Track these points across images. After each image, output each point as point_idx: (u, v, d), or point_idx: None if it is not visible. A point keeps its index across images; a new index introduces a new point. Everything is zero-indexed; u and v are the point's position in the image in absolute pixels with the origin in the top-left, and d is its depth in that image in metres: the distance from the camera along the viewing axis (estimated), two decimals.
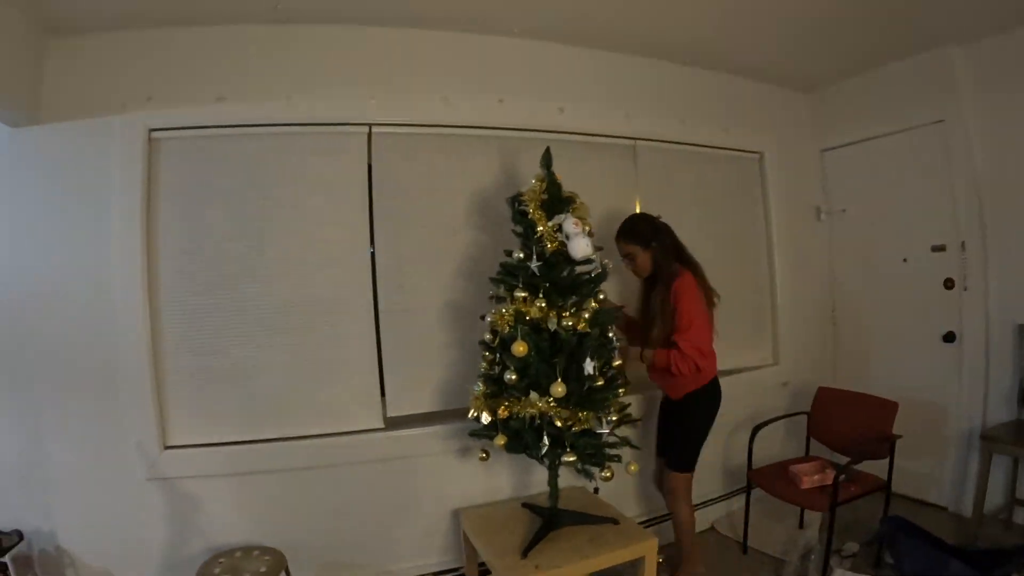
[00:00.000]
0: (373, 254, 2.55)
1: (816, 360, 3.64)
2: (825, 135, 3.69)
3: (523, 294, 2.11)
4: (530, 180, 2.25)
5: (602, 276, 2.21)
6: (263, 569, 2.12)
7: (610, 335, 2.16)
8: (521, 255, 2.15)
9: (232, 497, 2.38)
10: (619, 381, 2.17)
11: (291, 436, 2.44)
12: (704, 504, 3.18)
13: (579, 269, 2.19)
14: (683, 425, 2.48)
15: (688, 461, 2.46)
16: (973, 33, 2.87)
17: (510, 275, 2.18)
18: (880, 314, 3.48)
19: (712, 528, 3.18)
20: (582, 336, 2.07)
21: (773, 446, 3.26)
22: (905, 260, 3.30)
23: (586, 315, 2.09)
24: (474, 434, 2.24)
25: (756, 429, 2.91)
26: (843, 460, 2.52)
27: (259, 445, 2.40)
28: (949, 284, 3.11)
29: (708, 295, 2.39)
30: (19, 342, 2.25)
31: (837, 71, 3.43)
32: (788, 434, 3.36)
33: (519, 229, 2.22)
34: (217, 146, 2.39)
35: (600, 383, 2.08)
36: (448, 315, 2.63)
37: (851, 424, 2.81)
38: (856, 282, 3.62)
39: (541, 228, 2.10)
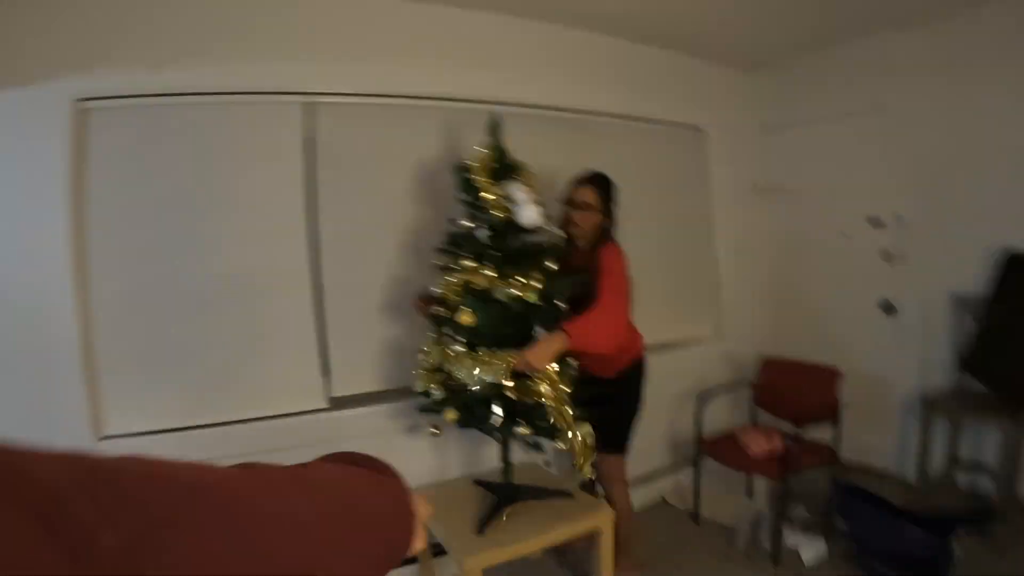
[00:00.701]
0: (317, 228, 2.45)
1: (759, 333, 3.72)
2: (767, 115, 3.77)
3: (471, 263, 2.06)
4: (475, 152, 2.20)
5: (554, 245, 2.18)
6: None
7: (560, 304, 2.13)
8: (469, 224, 2.09)
9: None
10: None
11: (232, 420, 2.31)
12: (654, 476, 3.21)
13: (529, 237, 2.15)
14: (618, 405, 2.35)
15: (624, 442, 2.38)
16: (914, 18, 2.95)
17: (456, 244, 2.12)
18: (821, 288, 3.58)
19: (663, 501, 3.20)
20: (532, 306, 2.04)
21: (720, 417, 3.31)
22: (845, 234, 3.39)
23: (536, 284, 2.05)
24: (424, 410, 2.17)
25: (703, 398, 2.93)
26: (790, 429, 2.56)
27: (200, 431, 2.26)
28: (887, 256, 3.21)
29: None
30: None
31: (782, 52, 3.51)
32: (734, 405, 3.42)
33: (466, 198, 2.16)
34: (152, 116, 2.23)
35: None
36: (394, 290, 2.56)
37: (796, 392, 2.87)
38: (797, 257, 3.72)
39: (489, 196, 2.05)
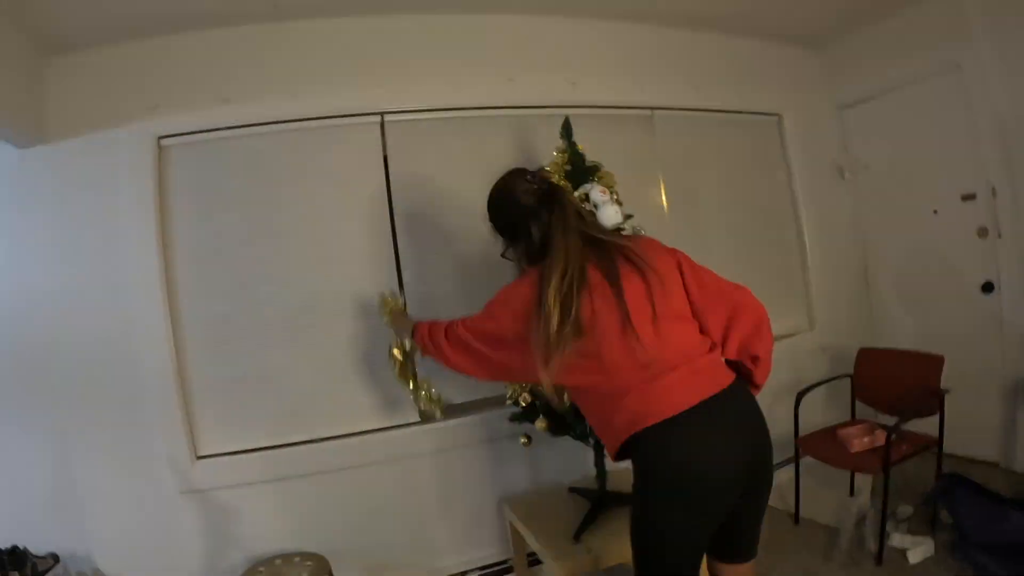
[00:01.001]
0: (395, 246, 2.49)
1: (853, 322, 3.53)
2: (842, 91, 3.58)
3: None
4: (548, 157, 2.18)
5: None
6: (305, 575, 2.07)
7: None
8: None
9: (268, 504, 2.33)
10: None
11: (323, 437, 2.38)
12: None
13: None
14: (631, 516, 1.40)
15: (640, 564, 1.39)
16: None
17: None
18: (914, 269, 3.38)
19: None
20: None
21: (816, 413, 3.17)
22: (935, 212, 3.20)
23: None
24: (514, 419, 2.18)
25: (800, 395, 2.82)
26: (890, 421, 2.43)
27: (291, 448, 2.35)
28: (983, 233, 3.01)
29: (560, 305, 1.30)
30: (39, 363, 2.20)
31: (844, 23, 3.33)
32: (830, 400, 3.27)
33: None
34: (225, 148, 2.35)
35: None
36: (476, 301, 2.56)
37: (897, 382, 2.72)
38: (887, 238, 3.52)
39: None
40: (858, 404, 2.99)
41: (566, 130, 2.16)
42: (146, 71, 2.31)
